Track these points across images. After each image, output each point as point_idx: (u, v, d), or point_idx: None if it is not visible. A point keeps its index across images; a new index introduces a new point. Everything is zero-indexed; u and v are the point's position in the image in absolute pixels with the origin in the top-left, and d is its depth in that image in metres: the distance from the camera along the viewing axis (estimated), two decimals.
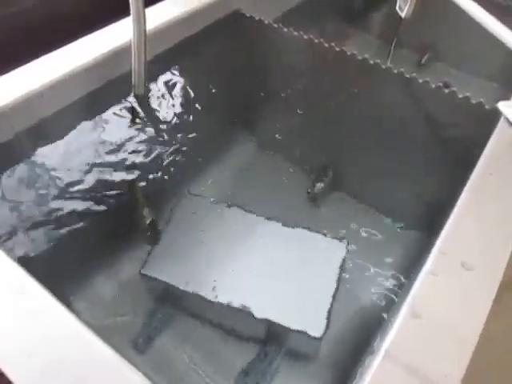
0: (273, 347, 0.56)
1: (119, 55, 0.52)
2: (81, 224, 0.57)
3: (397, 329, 0.30)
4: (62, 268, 0.56)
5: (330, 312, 0.52)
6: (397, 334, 0.30)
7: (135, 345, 0.57)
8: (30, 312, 0.30)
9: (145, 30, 0.48)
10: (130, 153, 0.60)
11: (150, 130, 0.62)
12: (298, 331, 0.50)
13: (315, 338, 0.50)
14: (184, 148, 0.69)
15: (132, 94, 0.54)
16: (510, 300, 0.34)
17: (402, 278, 0.63)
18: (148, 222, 0.62)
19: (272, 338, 0.56)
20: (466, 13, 0.55)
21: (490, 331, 0.29)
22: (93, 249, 0.60)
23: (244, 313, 0.52)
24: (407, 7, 0.64)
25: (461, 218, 0.37)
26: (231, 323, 0.57)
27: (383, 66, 0.56)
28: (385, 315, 0.50)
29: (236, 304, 0.52)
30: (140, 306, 0.60)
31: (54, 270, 0.55)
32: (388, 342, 0.29)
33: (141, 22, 0.47)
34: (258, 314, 0.52)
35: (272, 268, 0.56)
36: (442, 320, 0.30)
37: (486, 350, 0.29)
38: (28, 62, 0.49)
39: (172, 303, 0.60)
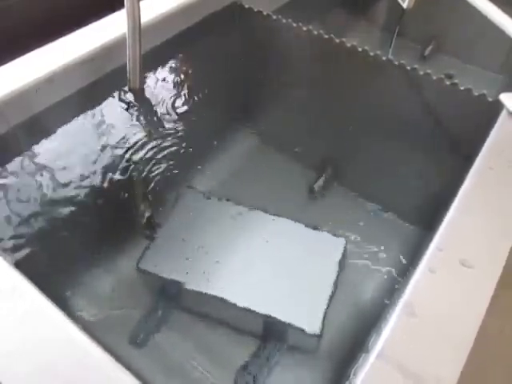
0: (272, 342, 0.56)
1: (114, 48, 0.51)
2: (78, 219, 0.56)
3: (391, 328, 0.29)
4: (59, 263, 0.56)
5: (327, 309, 0.51)
6: (391, 333, 0.29)
7: (133, 340, 0.57)
8: (21, 313, 0.30)
9: (139, 24, 0.48)
10: (127, 147, 0.59)
11: (147, 125, 0.62)
12: (294, 327, 0.50)
13: (313, 335, 0.50)
14: (183, 142, 0.68)
15: (128, 87, 0.54)
16: (508, 299, 0.33)
17: (402, 274, 0.62)
18: (146, 216, 0.61)
19: (270, 334, 0.55)
20: (470, 3, 0.54)
21: (487, 331, 0.29)
22: (90, 243, 0.60)
23: (242, 308, 0.52)
24: None
25: (460, 214, 0.36)
26: (229, 318, 0.57)
27: (383, 58, 0.55)
28: (383, 312, 0.50)
29: (234, 299, 0.52)
30: (138, 300, 0.59)
31: (51, 265, 0.55)
32: (382, 341, 0.29)
33: (135, 15, 0.47)
34: (256, 309, 0.51)
35: (271, 264, 0.56)
36: (439, 319, 0.30)
37: (483, 350, 0.28)
38: (23, 55, 0.48)
39: (170, 298, 0.59)
